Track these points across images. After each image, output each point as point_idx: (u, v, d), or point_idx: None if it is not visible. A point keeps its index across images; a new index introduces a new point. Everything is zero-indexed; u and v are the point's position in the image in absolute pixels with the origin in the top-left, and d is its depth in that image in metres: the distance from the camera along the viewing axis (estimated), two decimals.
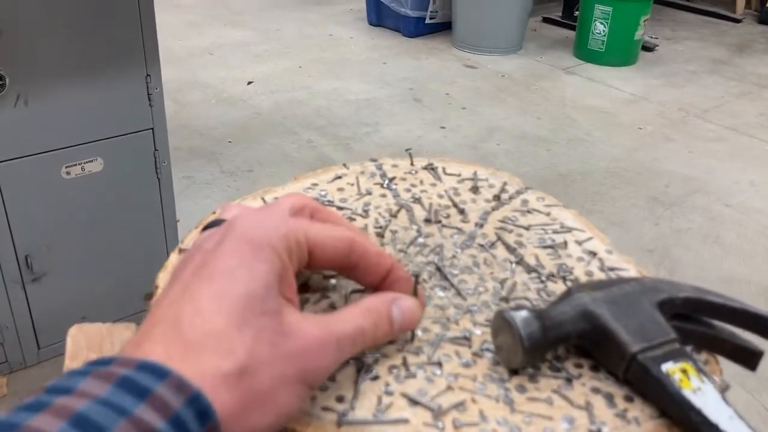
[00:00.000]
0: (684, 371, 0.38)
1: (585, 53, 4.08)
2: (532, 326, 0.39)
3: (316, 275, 0.48)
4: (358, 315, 0.38)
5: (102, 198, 1.57)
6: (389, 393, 0.39)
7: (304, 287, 0.47)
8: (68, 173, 1.50)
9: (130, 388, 0.28)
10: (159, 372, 0.29)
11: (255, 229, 0.36)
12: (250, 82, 3.56)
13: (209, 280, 0.34)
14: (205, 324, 0.32)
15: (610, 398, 0.39)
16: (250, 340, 0.32)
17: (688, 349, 0.41)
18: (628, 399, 0.40)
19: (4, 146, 1.40)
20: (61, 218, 1.54)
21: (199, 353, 0.31)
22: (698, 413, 0.36)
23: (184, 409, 0.29)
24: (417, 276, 0.42)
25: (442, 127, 3.17)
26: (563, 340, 0.41)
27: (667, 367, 0.38)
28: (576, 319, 0.40)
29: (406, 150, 0.74)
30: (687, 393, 0.37)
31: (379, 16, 4.48)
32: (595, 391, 0.40)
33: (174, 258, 0.50)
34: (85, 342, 0.50)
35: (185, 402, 0.29)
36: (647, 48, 4.23)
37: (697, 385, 0.37)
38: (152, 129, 1.58)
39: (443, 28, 4.38)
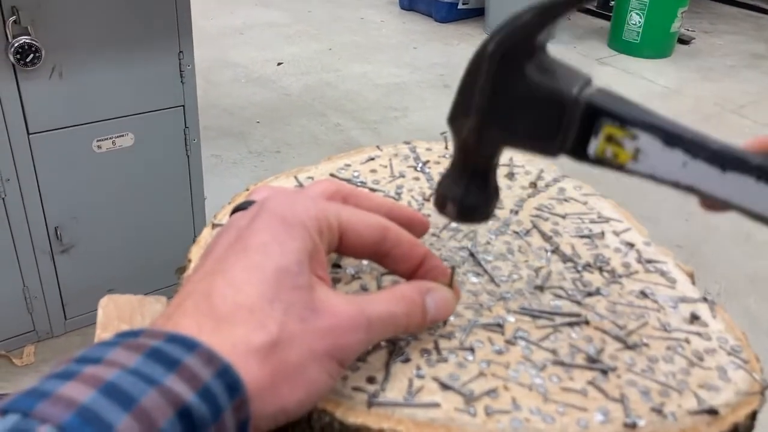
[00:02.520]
0: (610, 139, 0.33)
1: (619, 44, 4.00)
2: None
3: (348, 257, 0.47)
4: (392, 300, 0.37)
5: (131, 173, 1.59)
6: (420, 376, 0.38)
7: (335, 267, 0.46)
8: (99, 147, 1.51)
9: (159, 359, 0.28)
10: (188, 344, 0.29)
11: (287, 208, 0.36)
12: (280, 63, 3.56)
13: (242, 254, 0.34)
14: (236, 297, 0.32)
15: (646, 392, 0.38)
16: (281, 314, 0.32)
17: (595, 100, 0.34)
18: (664, 394, 0.39)
19: (37, 118, 1.41)
20: (90, 191, 1.55)
21: (229, 326, 0.31)
22: (653, 178, 0.32)
23: (213, 381, 0.28)
24: (453, 268, 0.41)
25: None
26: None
27: (594, 148, 0.33)
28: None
29: (442, 133, 0.74)
30: (630, 165, 0.33)
31: (411, 0, 4.44)
32: (631, 384, 0.39)
33: (206, 233, 0.50)
34: (116, 312, 0.50)
35: (215, 374, 0.29)
36: (684, 41, 4.14)
37: (633, 148, 0.32)
38: (183, 106, 1.58)
39: (476, 14, 4.33)
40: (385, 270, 0.46)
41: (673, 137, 0.32)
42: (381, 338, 0.37)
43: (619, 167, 0.33)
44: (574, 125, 0.33)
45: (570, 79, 0.34)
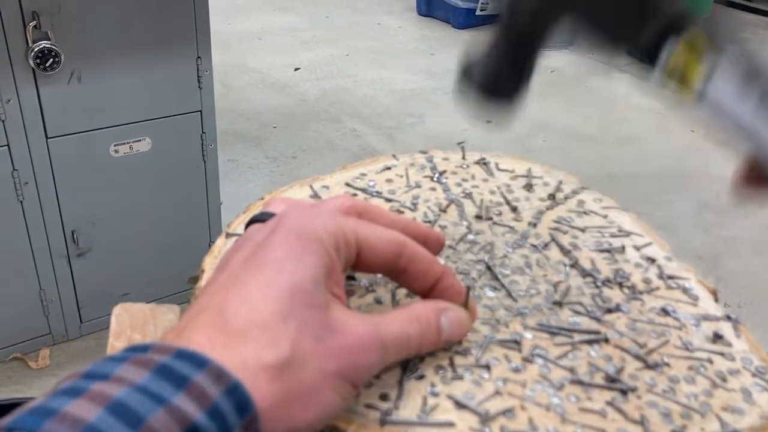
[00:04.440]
0: (690, 47, 0.27)
1: None
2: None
3: None
4: (406, 320, 0.36)
5: (148, 177, 1.59)
6: (435, 394, 0.38)
7: (349, 278, 0.45)
8: (116, 151, 1.52)
9: (168, 376, 0.28)
10: (197, 360, 0.29)
11: (305, 223, 0.35)
12: (297, 69, 3.57)
13: (258, 270, 0.33)
14: (250, 313, 0.32)
15: (667, 414, 0.37)
16: (295, 332, 0.32)
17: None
18: (686, 416, 0.37)
19: (56, 122, 1.42)
20: (107, 195, 1.56)
21: (241, 343, 0.31)
22: (711, 111, 0.27)
23: (222, 398, 0.28)
24: (469, 288, 0.40)
25: (488, 121, 3.13)
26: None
27: (668, 53, 0.28)
28: None
29: (459, 143, 0.73)
30: (698, 85, 0.28)
31: (429, 6, 4.44)
32: (652, 405, 0.38)
33: (220, 242, 0.49)
34: (129, 321, 0.50)
35: (224, 392, 0.28)
36: None
37: (709, 66, 0.27)
38: (200, 111, 1.59)
39: (494, 20, 4.32)
40: None
41: (756, 73, 0.27)
42: (395, 359, 0.37)
43: (683, 85, 0.28)
44: (660, 17, 0.28)
45: None
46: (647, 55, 0.29)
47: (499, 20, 0.33)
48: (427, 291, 0.40)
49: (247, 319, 0.31)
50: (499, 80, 0.33)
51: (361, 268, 0.38)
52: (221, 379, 0.28)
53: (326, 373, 0.32)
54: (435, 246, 0.43)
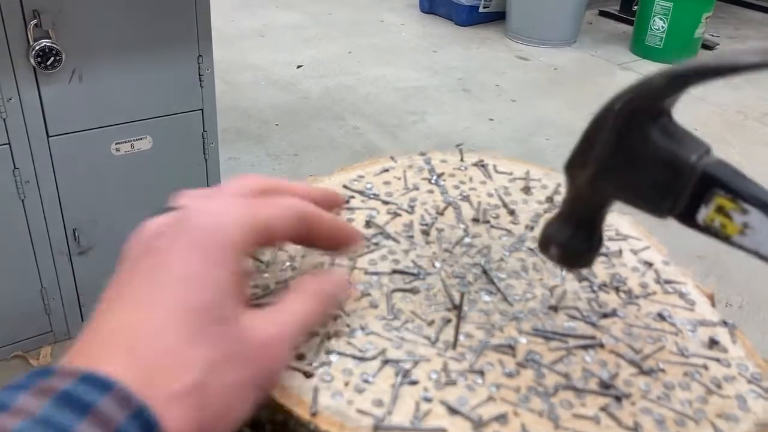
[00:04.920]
0: (720, 210, 0.33)
1: (642, 49, 3.96)
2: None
3: (358, 270, 0.47)
4: (302, 301, 0.38)
5: (149, 176, 1.59)
6: (428, 399, 0.38)
7: None
8: (118, 150, 1.52)
9: (70, 403, 0.27)
10: (102, 384, 0.28)
11: (207, 226, 0.34)
12: (299, 66, 3.57)
13: (163, 288, 0.32)
14: (156, 339, 0.31)
15: (661, 421, 0.37)
16: (205, 353, 0.31)
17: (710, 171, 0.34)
18: (680, 423, 0.37)
19: (57, 121, 1.42)
20: (109, 194, 1.56)
21: (149, 368, 0.30)
22: (757, 255, 0.32)
23: (128, 422, 0.27)
24: (463, 294, 0.40)
25: (491, 119, 3.12)
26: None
27: (703, 216, 0.34)
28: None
29: (457, 145, 0.72)
30: (737, 238, 0.33)
31: (431, 3, 4.43)
32: (646, 411, 0.38)
33: None
34: None
35: (130, 416, 0.27)
36: (707, 46, 4.09)
37: (741, 221, 0.33)
38: (202, 110, 1.59)
39: (496, 17, 4.31)
40: (396, 286, 0.46)
41: None
42: (302, 337, 0.39)
43: (725, 238, 0.33)
44: (687, 191, 0.34)
45: (690, 145, 0.35)
46: (686, 217, 0.35)
47: (563, 204, 0.40)
48: (332, 248, 0.43)
49: (153, 346, 0.30)
50: (575, 252, 0.40)
51: (273, 244, 0.40)
52: (127, 402, 0.28)
53: (242, 385, 0.32)
54: (336, 204, 0.45)
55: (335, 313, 0.42)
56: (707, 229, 0.34)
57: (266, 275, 0.45)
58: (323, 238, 0.40)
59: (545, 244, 0.41)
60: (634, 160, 0.35)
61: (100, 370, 0.28)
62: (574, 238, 0.39)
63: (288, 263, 0.47)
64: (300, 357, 0.39)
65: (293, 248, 0.48)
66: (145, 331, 0.31)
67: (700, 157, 0.34)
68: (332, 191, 0.45)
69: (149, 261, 0.34)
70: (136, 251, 0.35)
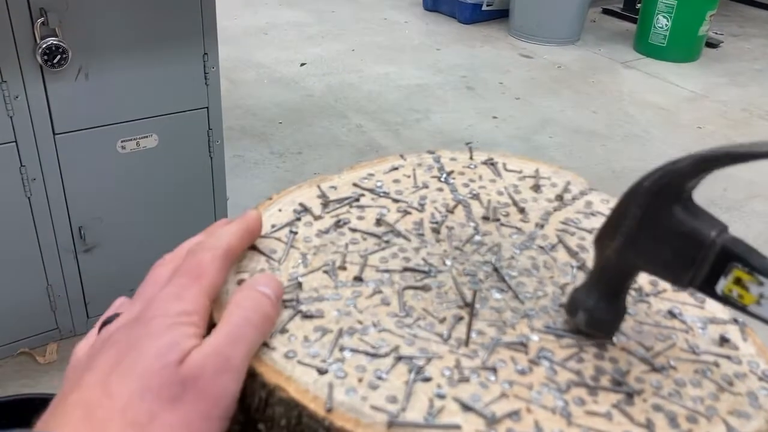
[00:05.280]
0: (738, 281, 0.36)
1: (645, 47, 3.96)
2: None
3: (369, 268, 0.47)
4: (237, 310, 0.39)
5: (155, 173, 1.60)
6: (441, 396, 0.38)
7: (357, 280, 0.46)
8: (123, 148, 1.53)
9: None
10: None
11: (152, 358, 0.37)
12: (303, 64, 3.57)
13: (119, 364, 0.36)
14: (112, 403, 0.34)
15: (673, 418, 0.37)
16: (151, 403, 0.34)
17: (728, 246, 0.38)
18: (692, 420, 0.38)
19: (63, 119, 1.43)
20: (114, 191, 1.57)
21: (104, 428, 0.33)
22: None
23: None
24: (475, 292, 0.41)
25: (494, 117, 3.12)
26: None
27: (722, 287, 0.37)
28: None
29: (467, 144, 0.73)
30: (753, 308, 0.36)
31: (435, 1, 4.43)
32: (657, 408, 0.38)
33: None
34: None
35: None
36: (711, 44, 4.08)
37: (758, 293, 0.36)
38: (207, 108, 1.59)
39: (500, 15, 4.31)
40: (407, 283, 0.46)
41: None
42: (249, 349, 0.38)
43: (742, 308, 0.37)
44: (707, 264, 0.37)
45: (710, 223, 0.38)
46: (705, 288, 0.38)
47: (591, 272, 0.43)
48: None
49: (109, 409, 0.34)
50: (601, 319, 0.42)
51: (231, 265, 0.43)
52: None
53: (193, 425, 0.34)
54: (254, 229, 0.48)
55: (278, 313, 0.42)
56: (726, 299, 0.37)
57: (387, 289, 0.45)
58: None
59: (573, 308, 0.43)
60: (659, 234, 0.39)
61: None
62: (599, 306, 0.41)
63: (300, 261, 0.47)
64: (315, 356, 0.40)
65: (304, 246, 0.48)
66: (103, 400, 0.34)
67: (719, 233, 0.37)
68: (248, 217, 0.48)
69: (110, 354, 0.37)
70: (98, 348, 0.39)
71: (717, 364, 0.41)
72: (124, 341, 0.37)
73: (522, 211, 0.54)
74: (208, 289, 0.40)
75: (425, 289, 0.46)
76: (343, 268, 0.47)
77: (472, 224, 0.52)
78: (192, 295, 0.39)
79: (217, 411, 0.36)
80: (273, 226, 0.50)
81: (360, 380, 0.38)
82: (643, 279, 0.48)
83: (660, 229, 0.38)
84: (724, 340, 0.43)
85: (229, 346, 0.37)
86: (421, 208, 0.54)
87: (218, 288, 0.41)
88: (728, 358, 0.42)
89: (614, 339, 0.42)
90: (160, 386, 0.35)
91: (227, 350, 0.37)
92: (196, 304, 0.39)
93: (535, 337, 0.42)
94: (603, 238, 0.41)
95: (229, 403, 0.36)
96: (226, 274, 0.42)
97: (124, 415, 0.33)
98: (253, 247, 0.48)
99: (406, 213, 0.53)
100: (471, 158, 0.61)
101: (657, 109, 3.30)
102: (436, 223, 0.52)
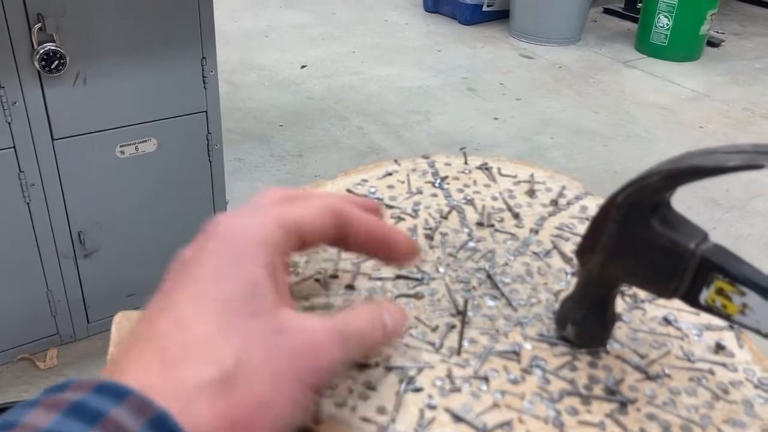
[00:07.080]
0: (720, 291, 0.36)
1: (647, 47, 3.95)
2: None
3: (361, 276, 0.47)
4: (356, 318, 0.36)
5: (154, 178, 1.60)
6: (432, 407, 0.37)
7: (349, 288, 0.45)
8: (122, 152, 1.53)
9: (80, 414, 0.26)
10: (117, 393, 0.27)
11: (237, 229, 0.34)
12: (303, 66, 3.57)
13: (189, 286, 0.32)
14: (184, 335, 0.30)
15: (667, 427, 0.37)
16: (238, 344, 0.30)
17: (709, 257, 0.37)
18: (686, 429, 0.37)
19: (62, 124, 1.42)
20: (114, 196, 1.56)
21: (178, 366, 0.29)
22: (758, 333, 0.35)
23: (144, 430, 0.26)
24: (467, 300, 0.40)
25: (495, 118, 3.12)
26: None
27: (705, 297, 0.36)
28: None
29: (461, 149, 0.72)
30: (737, 317, 0.36)
31: (435, 2, 4.43)
32: (651, 418, 0.38)
33: None
34: (129, 328, 0.50)
35: (146, 423, 0.26)
36: (713, 43, 4.07)
37: (741, 302, 0.35)
38: (206, 112, 1.59)
39: (500, 16, 4.30)
40: (400, 291, 0.45)
41: None
42: (352, 356, 0.35)
43: (727, 317, 0.36)
44: (688, 275, 0.37)
45: (689, 233, 0.38)
46: (689, 298, 0.37)
47: (576, 286, 0.42)
48: (378, 250, 0.40)
49: (182, 342, 0.30)
50: (590, 331, 0.42)
51: (306, 247, 0.38)
52: (144, 410, 0.27)
53: (280, 379, 0.31)
54: (373, 211, 0.42)
55: (385, 345, 0.40)
56: (710, 309, 0.37)
57: (380, 298, 0.45)
58: (361, 240, 0.39)
59: (562, 322, 0.42)
60: (638, 247, 0.38)
61: (126, 376, 0.28)
62: (587, 318, 0.41)
63: (292, 269, 0.47)
64: None
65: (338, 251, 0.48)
66: (173, 331, 0.30)
67: (698, 244, 0.37)
68: (370, 200, 0.44)
69: (179, 270, 0.34)
70: (172, 270, 0.35)
71: (712, 372, 0.41)
72: (190, 256, 0.34)
73: (516, 216, 0.54)
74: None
75: (418, 297, 0.45)
76: (335, 276, 0.47)
77: (466, 230, 0.52)
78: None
79: (311, 378, 0.32)
80: None
81: (350, 391, 0.38)
82: None
83: (638, 243, 0.38)
84: (719, 348, 0.42)
85: (343, 341, 0.34)
86: (415, 214, 0.54)
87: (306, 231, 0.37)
88: (724, 365, 0.41)
89: (608, 347, 0.42)
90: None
91: (339, 338, 0.34)
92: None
93: (528, 346, 0.42)
94: (584, 252, 0.41)
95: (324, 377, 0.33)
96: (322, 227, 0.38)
97: (185, 336, 0.30)
98: None
99: (400, 219, 0.53)
100: (466, 163, 0.60)
101: (658, 109, 3.29)
102: (430, 229, 0.52)
